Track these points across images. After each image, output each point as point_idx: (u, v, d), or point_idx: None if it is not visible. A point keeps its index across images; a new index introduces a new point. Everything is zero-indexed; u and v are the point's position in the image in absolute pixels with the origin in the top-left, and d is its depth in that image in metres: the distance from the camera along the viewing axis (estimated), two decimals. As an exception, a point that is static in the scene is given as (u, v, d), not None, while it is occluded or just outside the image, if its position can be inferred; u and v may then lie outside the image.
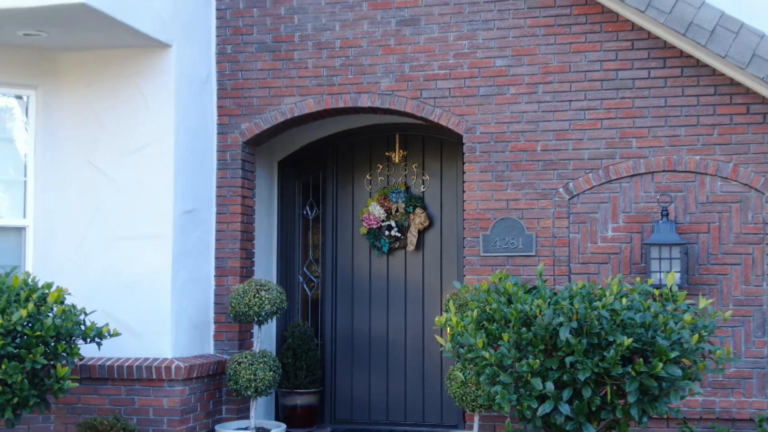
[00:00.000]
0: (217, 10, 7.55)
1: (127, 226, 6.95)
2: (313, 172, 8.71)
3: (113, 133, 7.00)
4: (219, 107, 7.55)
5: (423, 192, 8.44)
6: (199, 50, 7.32)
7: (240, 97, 7.52)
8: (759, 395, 6.60)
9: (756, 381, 6.61)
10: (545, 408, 4.88)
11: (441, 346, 5.61)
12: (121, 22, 6.31)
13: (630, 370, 4.81)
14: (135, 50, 6.94)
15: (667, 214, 6.64)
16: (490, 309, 5.23)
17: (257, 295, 6.97)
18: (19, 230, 6.99)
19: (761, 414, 6.52)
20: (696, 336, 4.89)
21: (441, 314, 7.77)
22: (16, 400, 5.60)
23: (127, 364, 6.78)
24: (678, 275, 6.50)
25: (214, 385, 7.28)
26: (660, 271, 6.51)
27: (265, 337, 8.05)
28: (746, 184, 6.65)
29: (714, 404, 6.62)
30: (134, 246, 6.92)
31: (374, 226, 8.37)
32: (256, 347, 7.16)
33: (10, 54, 6.88)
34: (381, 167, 8.57)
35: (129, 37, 6.65)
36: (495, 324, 5.21)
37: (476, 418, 6.68)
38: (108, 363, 6.80)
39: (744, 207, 6.66)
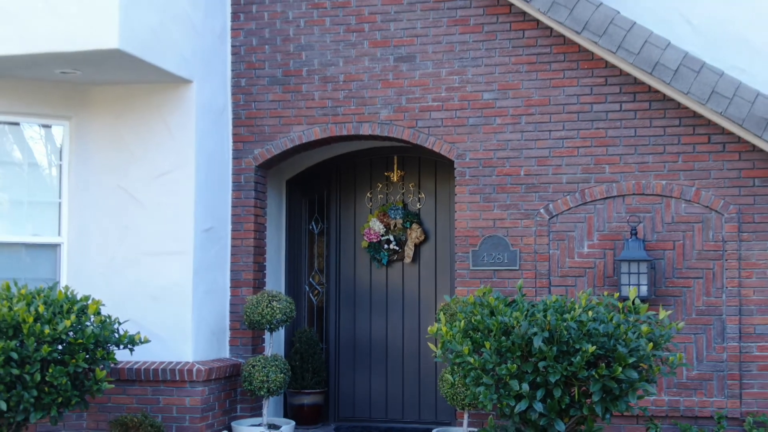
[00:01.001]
0: (232, 46, 8.31)
1: (153, 244, 7.71)
2: (318, 190, 9.47)
3: (140, 160, 7.77)
4: (234, 134, 8.31)
5: (419, 209, 9.20)
6: (217, 83, 8.09)
7: (253, 126, 8.29)
8: (719, 395, 7.36)
9: (716, 382, 7.37)
10: (521, 406, 5.66)
11: (433, 352, 6.40)
12: (149, 63, 7.08)
13: (594, 373, 5.59)
14: (160, 85, 7.71)
15: (636, 233, 7.41)
16: (475, 320, 6.00)
17: (269, 305, 7.75)
18: (55, 247, 7.75)
19: (720, 412, 7.29)
20: (651, 344, 5.67)
21: (435, 321, 8.54)
22: (60, 399, 6.36)
23: (153, 367, 7.55)
24: (645, 288, 7.28)
25: (230, 385, 8.06)
26: (629, 285, 7.28)
27: (275, 342, 8.80)
28: (707, 207, 7.42)
29: (679, 403, 7.39)
30: (159, 261, 7.69)
31: (374, 240, 9.13)
32: (268, 352, 7.94)
33: (47, 88, 7.65)
34: (380, 186, 9.34)
35: (155, 74, 7.42)
36: (479, 333, 5.98)
37: (466, 416, 7.44)
38: (136, 366, 7.57)
39: (705, 227, 7.43)
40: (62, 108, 7.74)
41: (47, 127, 7.78)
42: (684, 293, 7.44)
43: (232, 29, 8.30)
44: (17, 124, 7.68)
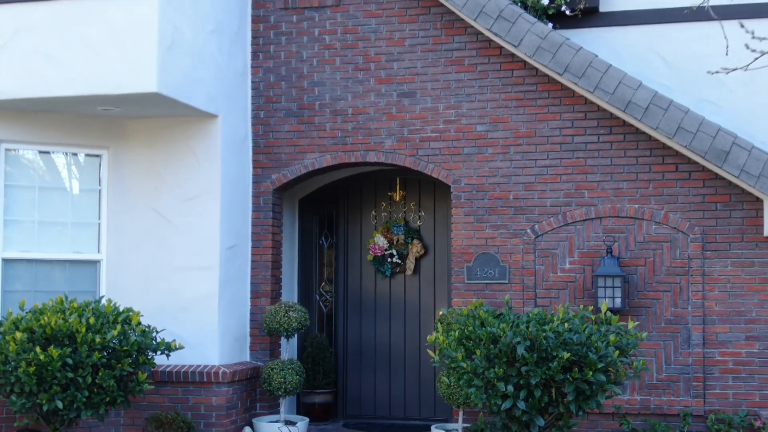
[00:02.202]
0: (252, 82, 9.24)
1: (183, 260, 8.63)
2: (328, 208, 10.40)
3: (171, 185, 8.69)
4: (254, 161, 9.24)
5: (419, 226, 10.14)
6: (239, 116, 9.03)
7: (271, 154, 9.22)
8: (685, 395, 8.27)
9: (683, 384, 8.29)
10: (507, 404, 6.60)
11: (432, 357, 7.34)
12: (181, 102, 8.01)
13: (569, 376, 6.53)
14: (189, 118, 8.64)
15: (611, 251, 8.34)
16: (467, 330, 6.95)
17: (286, 314, 8.70)
18: (95, 263, 8.68)
19: (686, 410, 8.20)
20: (617, 352, 6.62)
21: (434, 330, 9.49)
22: (108, 399, 7.30)
23: (183, 369, 8.49)
24: (619, 300, 8.20)
25: (251, 386, 8.99)
26: (605, 297, 8.21)
27: (290, 347, 9.71)
28: (675, 228, 8.35)
29: (649, 402, 8.31)
30: (189, 276, 8.61)
31: (379, 254, 10.06)
32: (284, 356, 8.89)
33: (88, 121, 8.58)
34: (384, 205, 10.27)
35: (186, 110, 8.34)
36: (471, 342, 6.92)
37: (461, 413, 8.37)
38: (168, 369, 8.50)
39: (673, 246, 8.36)
40: (101, 139, 8.67)
41: (88, 156, 8.70)
42: (654, 305, 8.37)
43: (252, 67, 9.23)
44: (61, 153, 8.61)
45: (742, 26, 4.44)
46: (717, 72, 5.06)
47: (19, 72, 7.84)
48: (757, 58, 4.67)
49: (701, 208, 8.30)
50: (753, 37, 4.38)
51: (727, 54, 5.21)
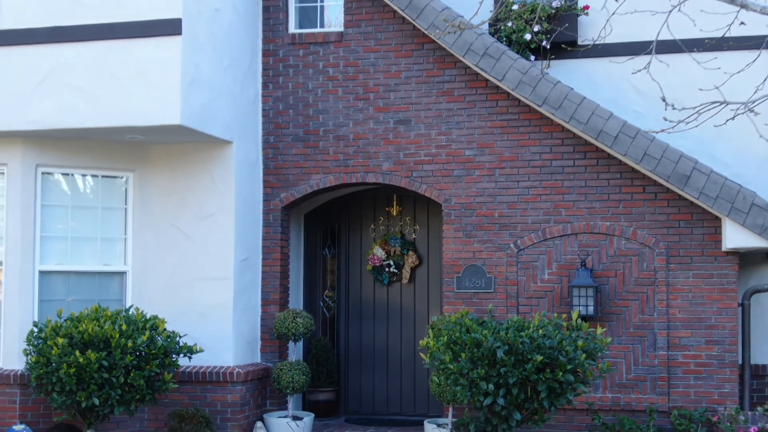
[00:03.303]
0: (263, 110, 10.18)
1: (201, 271, 9.56)
2: (331, 222, 11.31)
3: (190, 204, 9.62)
4: (264, 182, 10.17)
5: (414, 238, 11.07)
6: (251, 141, 9.98)
7: (280, 175, 10.16)
8: (651, 393, 9.20)
9: (649, 383, 9.22)
10: (488, 401, 7.54)
11: (424, 359, 8.29)
12: (200, 131, 8.95)
13: (542, 376, 7.48)
14: (206, 144, 9.57)
15: (585, 264, 9.28)
16: (454, 336, 7.89)
17: (294, 320, 9.64)
18: (122, 274, 9.62)
19: (652, 407, 9.10)
20: (584, 355, 7.57)
21: (426, 336, 10.43)
22: (138, 397, 8.26)
23: (201, 370, 9.43)
24: (592, 308, 9.12)
25: (262, 385, 9.94)
26: (579, 306, 9.15)
27: (297, 349, 10.65)
28: (642, 243, 9.29)
29: (620, 399, 9.24)
30: (206, 286, 9.55)
31: (377, 264, 10.98)
32: (292, 358, 9.84)
33: (115, 147, 9.52)
34: (382, 219, 11.20)
35: (204, 138, 9.28)
36: (457, 346, 7.87)
37: (450, 409, 9.29)
38: (188, 370, 9.43)
39: (641, 259, 9.30)
40: (127, 163, 9.60)
41: (115, 178, 9.65)
42: (624, 312, 9.30)
43: (263, 96, 10.16)
44: (91, 176, 9.54)
45: (663, 100, 5.38)
46: (650, 131, 5.98)
47: (55, 105, 8.76)
48: (679, 123, 5.60)
49: (666, 226, 9.23)
50: (673, 109, 5.33)
51: (666, 108, 6.10)
